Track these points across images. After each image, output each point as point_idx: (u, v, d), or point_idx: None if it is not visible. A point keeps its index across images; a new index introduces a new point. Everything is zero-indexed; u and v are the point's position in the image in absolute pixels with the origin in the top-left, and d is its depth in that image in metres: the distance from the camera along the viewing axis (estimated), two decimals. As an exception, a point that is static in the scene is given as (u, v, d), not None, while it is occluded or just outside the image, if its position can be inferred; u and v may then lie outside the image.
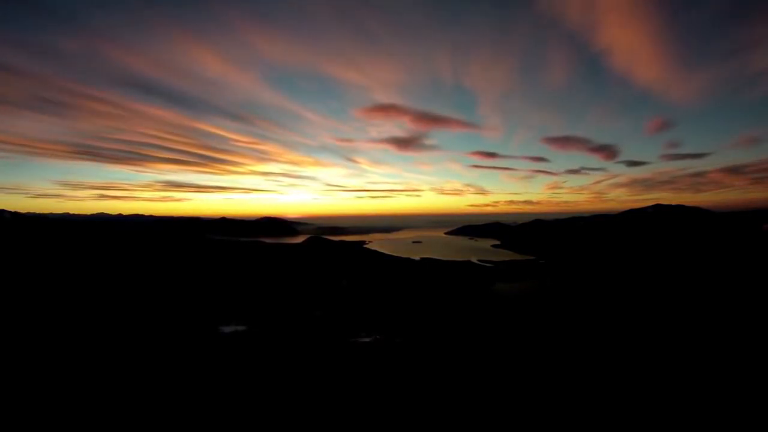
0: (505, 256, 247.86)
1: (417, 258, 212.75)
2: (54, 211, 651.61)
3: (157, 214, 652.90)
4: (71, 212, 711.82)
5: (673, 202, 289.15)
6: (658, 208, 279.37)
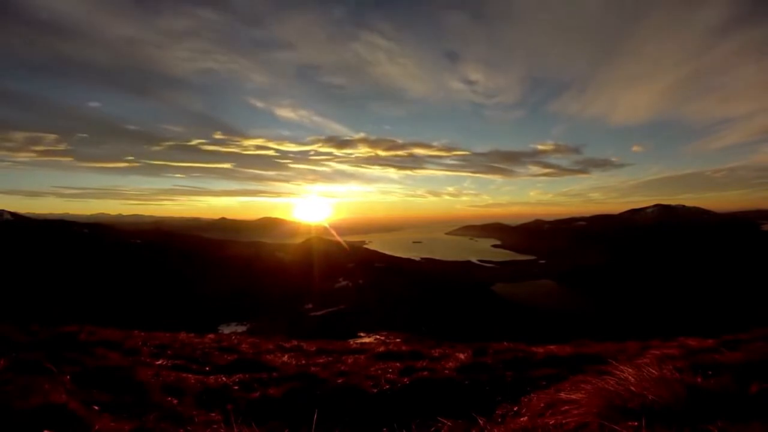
0: (505, 256, 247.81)
1: (417, 258, 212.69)
2: (54, 212, 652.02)
3: (157, 215, 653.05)
4: (71, 213, 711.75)
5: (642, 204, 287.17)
6: (660, 208, 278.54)
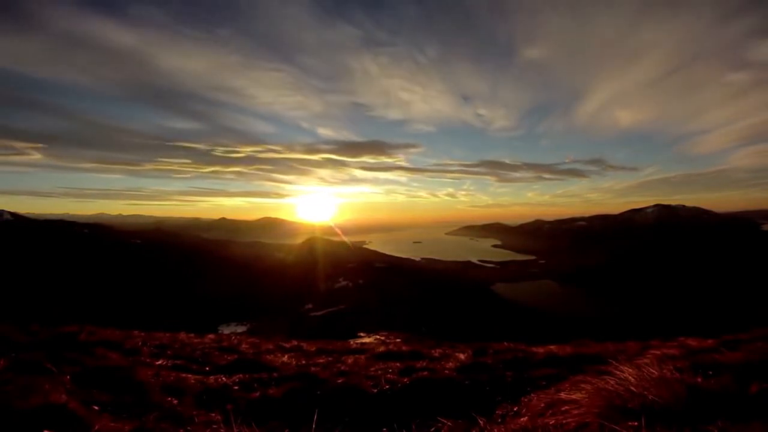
0: (505, 256, 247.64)
1: (417, 258, 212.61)
2: (54, 212, 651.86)
3: (157, 215, 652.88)
4: (71, 213, 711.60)
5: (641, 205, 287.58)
6: (660, 208, 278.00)
